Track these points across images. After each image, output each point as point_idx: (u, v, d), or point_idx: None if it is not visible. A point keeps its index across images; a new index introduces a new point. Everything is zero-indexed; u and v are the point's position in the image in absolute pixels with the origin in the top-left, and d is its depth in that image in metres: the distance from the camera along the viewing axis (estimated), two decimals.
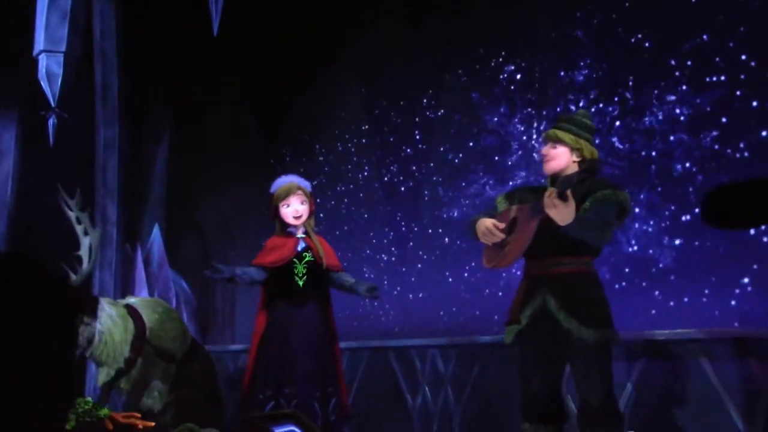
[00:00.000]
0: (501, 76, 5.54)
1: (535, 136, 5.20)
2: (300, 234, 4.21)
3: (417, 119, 6.09)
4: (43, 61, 6.26)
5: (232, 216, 7.63)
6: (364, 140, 6.46)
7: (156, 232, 7.93)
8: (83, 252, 6.02)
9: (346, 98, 6.64)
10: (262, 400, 3.88)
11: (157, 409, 5.71)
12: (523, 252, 3.32)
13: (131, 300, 5.92)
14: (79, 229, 6.12)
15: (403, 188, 6.09)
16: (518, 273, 5.22)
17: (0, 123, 7.79)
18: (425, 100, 6.01)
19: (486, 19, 5.64)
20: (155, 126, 8.02)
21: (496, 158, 5.56)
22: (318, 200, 6.90)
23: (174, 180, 7.98)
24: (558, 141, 3.41)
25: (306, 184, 4.25)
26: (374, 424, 5.40)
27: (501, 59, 5.56)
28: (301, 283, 4.11)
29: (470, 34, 5.73)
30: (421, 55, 6.05)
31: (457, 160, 5.77)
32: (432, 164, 5.88)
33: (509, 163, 5.42)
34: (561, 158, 3.40)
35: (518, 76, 5.47)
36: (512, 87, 5.50)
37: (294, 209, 4.17)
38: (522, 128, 5.44)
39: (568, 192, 3.02)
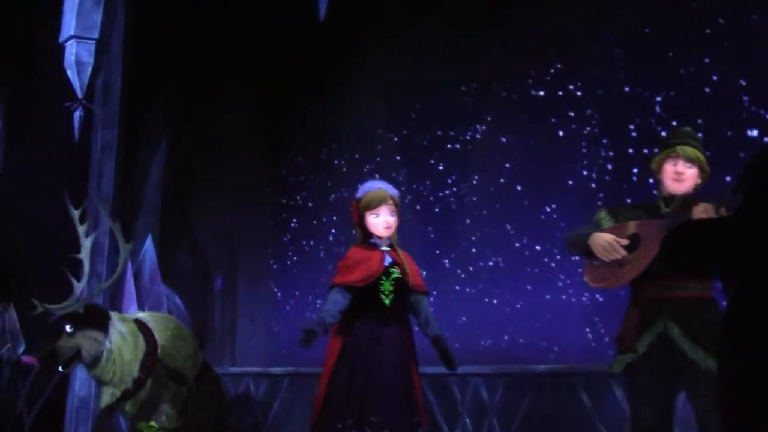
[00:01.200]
0: (540, 93, 5.32)
1: (584, 151, 4.97)
2: (384, 246, 3.85)
3: (451, 133, 5.82)
4: (72, 48, 5.79)
5: (235, 229, 7.22)
6: (394, 153, 6.15)
7: (148, 244, 7.44)
8: (84, 255, 5.55)
9: (372, 107, 6.33)
10: (341, 430, 3.50)
11: None
12: (642, 271, 3.06)
13: (140, 315, 5.49)
14: (80, 230, 5.64)
15: (437, 208, 5.79)
16: (566, 298, 4.99)
17: None
18: (460, 115, 5.75)
19: (524, 31, 5.43)
20: (151, 130, 7.57)
21: (535, 176, 5.32)
22: (333, 217, 6.59)
23: (170, 188, 7.52)
24: (693, 161, 3.19)
25: (396, 193, 3.92)
26: None
27: (541, 74, 5.35)
28: (387, 301, 3.76)
29: (508, 47, 5.50)
30: (457, 66, 5.80)
31: (497, 181, 5.50)
32: (474, 181, 5.60)
33: (545, 183, 5.18)
34: (693, 178, 3.20)
35: (560, 93, 5.25)
36: (551, 103, 5.29)
37: (385, 220, 3.82)
38: (564, 146, 5.22)
39: (722, 209, 2.78)
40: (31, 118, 7.44)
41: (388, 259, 3.83)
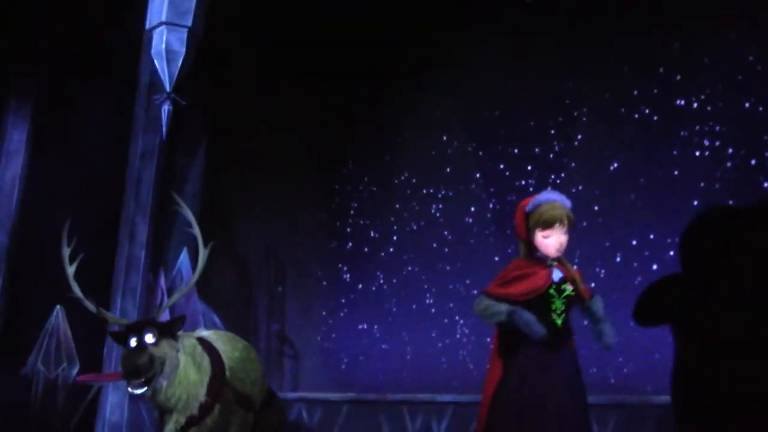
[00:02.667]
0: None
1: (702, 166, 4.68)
2: (551, 262, 3.43)
3: (537, 150, 5.49)
4: (161, 36, 5.34)
5: (281, 244, 6.79)
6: (467, 166, 5.80)
7: (184, 258, 7.00)
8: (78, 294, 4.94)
9: (449, 113, 5.98)
10: None
11: None
12: None
13: (204, 333, 5.01)
14: (69, 270, 4.99)
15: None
16: None
17: (11, 120, 6.75)
18: (549, 124, 5.43)
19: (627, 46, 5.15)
20: (189, 136, 7.12)
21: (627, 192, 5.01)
22: (392, 231, 6.21)
23: (207, 199, 7.07)
24: None
25: (570, 206, 3.49)
26: None
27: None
28: (559, 321, 3.35)
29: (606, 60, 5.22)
30: (539, 77, 5.49)
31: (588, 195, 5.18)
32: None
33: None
34: None
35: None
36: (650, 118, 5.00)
37: (558, 241, 3.40)
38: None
39: None
40: (61, 119, 6.96)
41: (557, 275, 3.43)
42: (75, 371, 5.55)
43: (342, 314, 6.37)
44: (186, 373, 4.60)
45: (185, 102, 5.69)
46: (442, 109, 6.05)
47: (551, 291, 3.38)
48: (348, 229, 6.51)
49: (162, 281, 6.93)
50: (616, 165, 5.17)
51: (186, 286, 4.92)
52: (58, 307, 5.60)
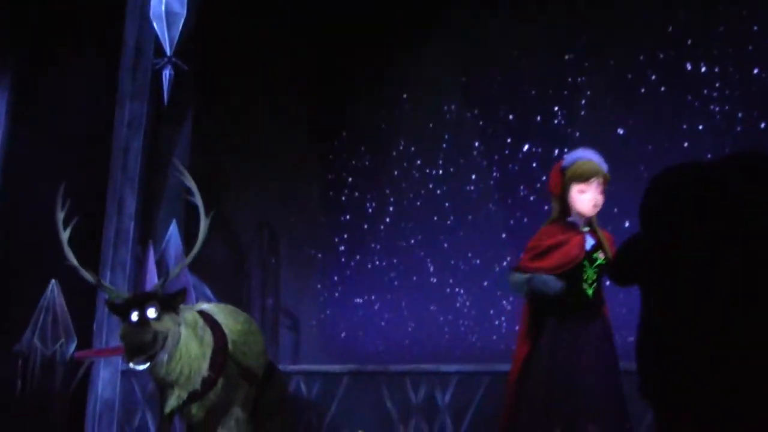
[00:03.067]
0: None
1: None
2: (584, 227, 3.36)
3: (539, 118, 5.41)
4: None
5: (275, 215, 6.65)
6: (467, 132, 5.70)
7: (173, 230, 6.82)
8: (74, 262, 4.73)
9: (448, 80, 5.86)
10: None
11: None
12: None
13: (204, 306, 4.90)
14: (64, 236, 4.80)
15: (522, 189, 5.37)
16: None
17: None
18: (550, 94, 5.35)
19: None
20: (176, 103, 6.91)
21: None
22: (389, 202, 6.11)
23: (197, 169, 6.87)
24: None
25: (607, 168, 3.43)
26: None
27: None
28: (590, 291, 3.28)
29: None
30: (543, 42, 5.39)
31: None
32: None
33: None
34: None
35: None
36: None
37: (594, 197, 3.34)
38: None
39: None
40: (42, 87, 6.72)
41: (589, 242, 3.36)
42: (73, 347, 5.39)
43: (339, 288, 6.27)
44: (188, 347, 4.49)
45: (187, 67, 5.48)
46: (441, 76, 5.93)
47: (584, 261, 3.31)
48: (343, 200, 6.38)
49: (151, 255, 6.77)
50: (622, 132, 5.11)
51: (187, 258, 4.78)
52: (53, 281, 5.42)
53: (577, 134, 5.32)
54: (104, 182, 6.46)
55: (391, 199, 6.07)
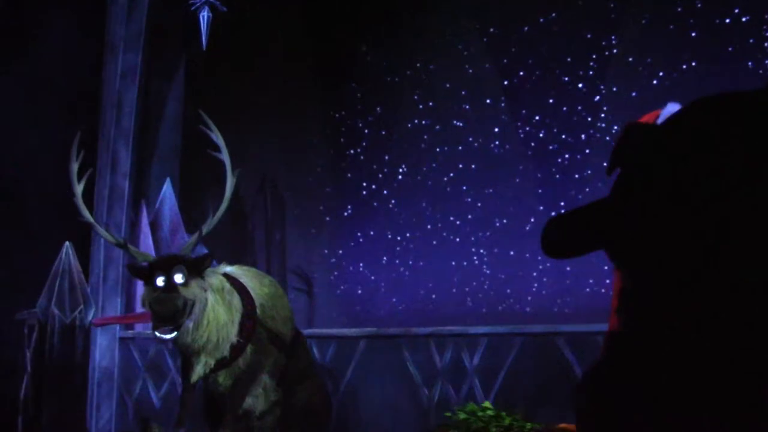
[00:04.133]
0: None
1: None
2: None
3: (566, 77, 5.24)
4: None
5: (280, 173, 6.38)
6: (488, 84, 5.50)
7: (167, 189, 6.51)
8: (88, 218, 4.47)
9: (468, 33, 5.63)
10: None
11: (259, 410, 4.50)
12: None
13: (229, 269, 4.63)
14: (77, 189, 4.47)
15: (553, 146, 5.22)
16: None
17: None
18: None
19: None
20: (167, 57, 6.54)
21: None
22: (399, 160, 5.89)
23: (192, 124, 6.53)
24: None
25: None
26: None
27: None
28: None
29: None
30: None
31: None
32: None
33: None
34: None
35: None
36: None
37: None
38: None
39: None
40: (23, 35, 6.26)
41: None
42: (91, 314, 5.07)
43: (351, 247, 6.06)
44: (215, 313, 4.25)
45: (226, 8, 5.14)
46: (461, 30, 5.70)
47: None
48: (354, 156, 6.14)
49: (144, 215, 6.45)
50: (655, 82, 4.99)
51: (214, 217, 4.49)
52: (67, 244, 5.08)
53: (603, 89, 5.19)
54: (95, 137, 6.09)
55: (408, 155, 5.85)
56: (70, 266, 4.95)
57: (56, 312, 4.69)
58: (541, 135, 5.35)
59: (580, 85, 5.32)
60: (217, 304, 4.26)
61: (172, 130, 6.63)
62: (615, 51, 5.16)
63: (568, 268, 5.24)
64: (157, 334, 4.05)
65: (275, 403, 4.55)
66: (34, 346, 4.70)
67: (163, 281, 4.13)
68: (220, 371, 4.36)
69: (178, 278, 4.10)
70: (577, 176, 5.27)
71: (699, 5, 4.89)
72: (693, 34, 4.95)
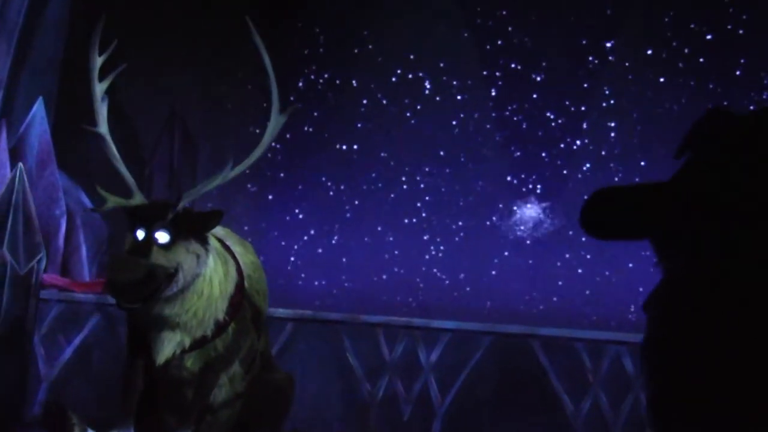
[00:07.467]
0: None
1: None
2: None
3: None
4: None
5: (187, 108, 5.48)
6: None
7: (38, 109, 5.30)
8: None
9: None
10: None
11: (217, 403, 3.76)
12: None
13: (218, 232, 3.76)
14: (98, 89, 3.64)
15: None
16: None
17: None
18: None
19: None
20: None
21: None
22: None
23: (77, 31, 5.35)
24: None
25: None
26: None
27: None
28: None
29: None
30: None
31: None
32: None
33: None
34: None
35: None
36: None
37: None
38: None
39: None
40: None
41: None
42: (43, 264, 3.80)
43: (279, 214, 5.39)
44: (211, 284, 3.49)
45: None
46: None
47: None
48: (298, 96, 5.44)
49: (4, 138, 5.17)
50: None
51: (249, 158, 3.70)
52: (20, 164, 3.84)
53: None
54: None
55: (362, 111, 5.31)
56: (25, 198, 3.74)
57: (8, 258, 3.47)
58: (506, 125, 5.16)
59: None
60: (214, 275, 3.50)
61: (51, 34, 5.37)
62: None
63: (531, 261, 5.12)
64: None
65: (238, 396, 3.84)
66: None
67: (143, 235, 3.31)
68: (188, 354, 3.58)
69: (161, 237, 3.30)
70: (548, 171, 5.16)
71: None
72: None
